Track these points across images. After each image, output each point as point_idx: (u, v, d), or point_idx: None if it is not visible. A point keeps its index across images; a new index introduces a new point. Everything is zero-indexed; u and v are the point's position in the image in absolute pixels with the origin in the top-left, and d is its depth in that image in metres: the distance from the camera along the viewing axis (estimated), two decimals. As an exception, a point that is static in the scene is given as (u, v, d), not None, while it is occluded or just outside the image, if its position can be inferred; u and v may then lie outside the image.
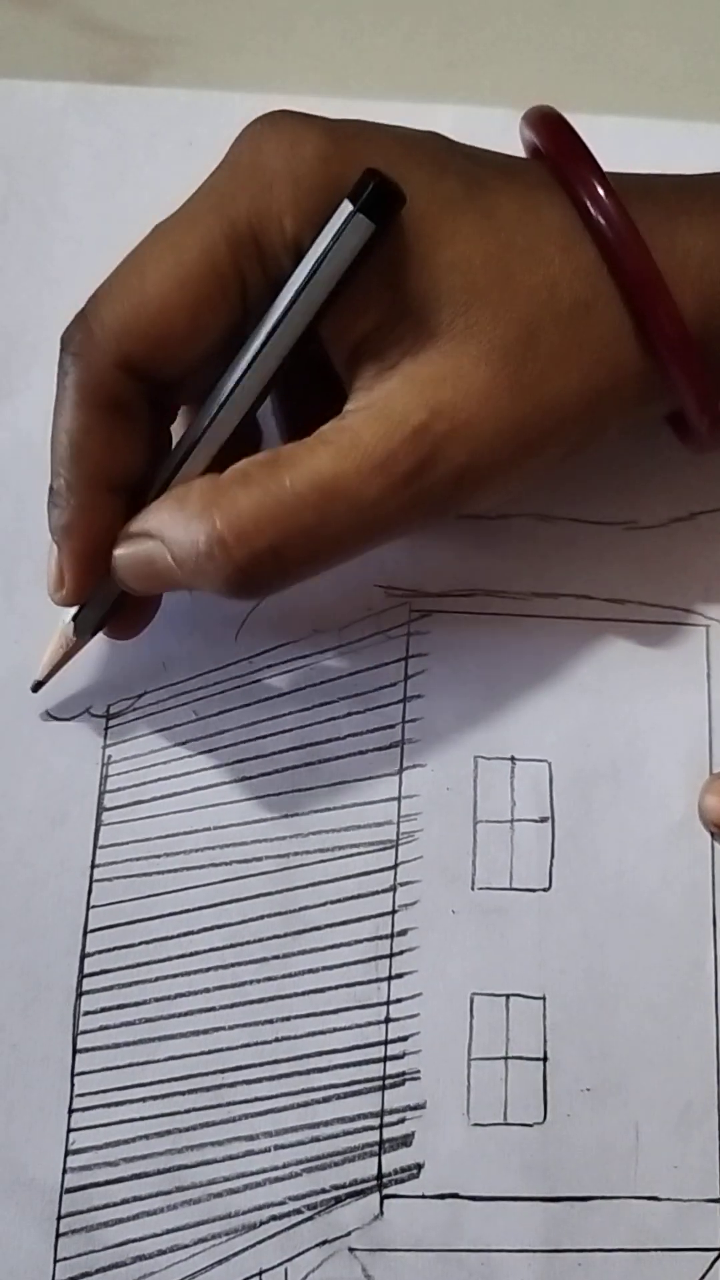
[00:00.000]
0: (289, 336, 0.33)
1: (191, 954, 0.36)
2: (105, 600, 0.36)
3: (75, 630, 0.36)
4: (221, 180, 0.33)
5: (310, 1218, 0.35)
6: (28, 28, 0.45)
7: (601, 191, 0.33)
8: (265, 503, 0.32)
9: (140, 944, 0.36)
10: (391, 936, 0.37)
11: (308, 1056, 0.36)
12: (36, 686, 0.38)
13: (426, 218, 0.33)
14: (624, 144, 0.43)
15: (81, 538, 0.35)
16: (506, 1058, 0.36)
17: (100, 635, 0.37)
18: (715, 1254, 0.35)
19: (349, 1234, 0.35)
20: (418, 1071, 0.36)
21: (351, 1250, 0.35)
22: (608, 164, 0.35)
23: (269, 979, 0.36)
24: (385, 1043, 0.36)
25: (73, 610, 0.36)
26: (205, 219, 0.33)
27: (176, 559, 0.33)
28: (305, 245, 0.32)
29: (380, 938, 0.37)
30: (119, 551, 0.35)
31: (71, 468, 0.34)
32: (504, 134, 0.39)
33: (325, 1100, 0.35)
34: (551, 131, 0.35)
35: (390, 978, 0.36)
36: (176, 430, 0.36)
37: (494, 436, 0.33)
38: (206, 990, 0.36)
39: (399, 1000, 0.36)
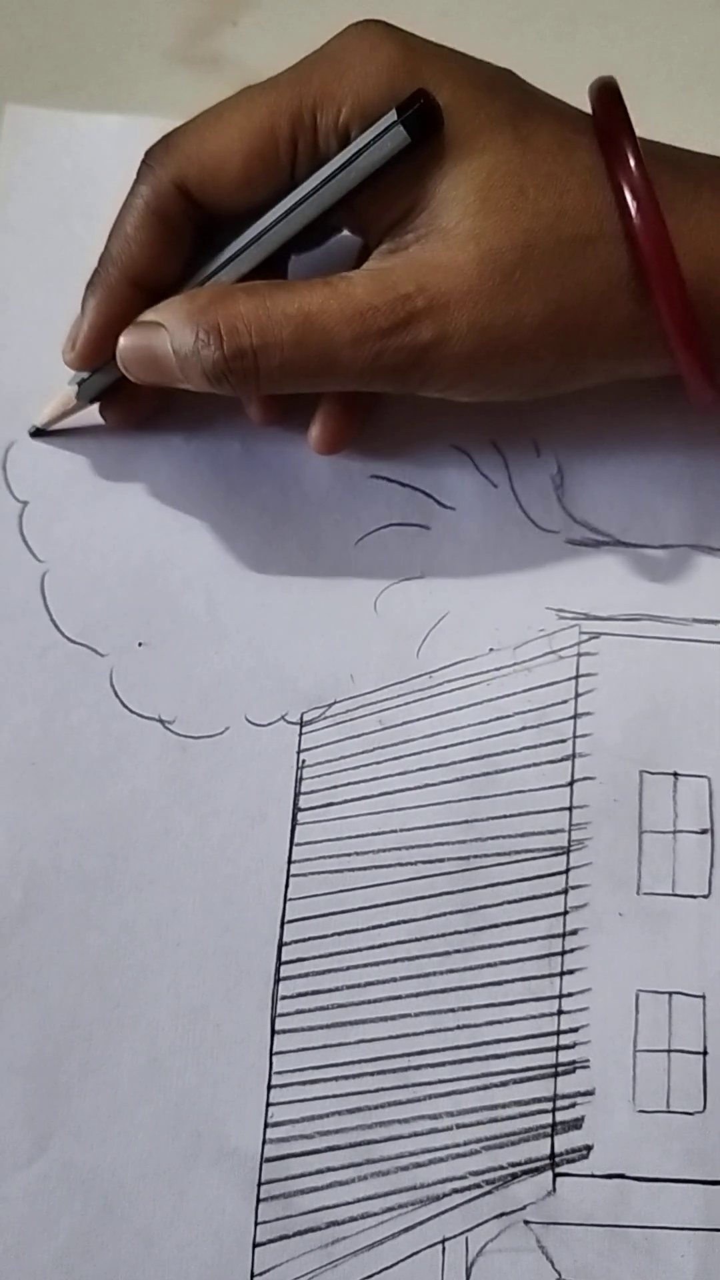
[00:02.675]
0: (314, 208, 0.38)
1: (380, 945, 0.39)
2: (107, 377, 0.41)
3: (77, 394, 0.42)
4: (306, 63, 0.38)
5: (489, 1192, 0.38)
6: (199, 87, 0.47)
7: (629, 148, 0.37)
8: (258, 312, 0.37)
9: (333, 935, 0.39)
10: (564, 935, 0.40)
11: (487, 1044, 0.39)
12: (35, 432, 0.43)
13: (466, 129, 0.37)
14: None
15: (101, 314, 0.40)
16: (669, 1050, 0.39)
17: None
18: None
19: (524, 1208, 0.38)
20: (587, 1060, 0.39)
21: (527, 1223, 0.38)
22: None
23: (451, 971, 0.39)
24: (558, 1033, 0.39)
25: (79, 376, 0.42)
26: (280, 89, 0.38)
27: (174, 347, 0.38)
28: (352, 135, 0.37)
29: (553, 936, 0.39)
30: (125, 336, 0.39)
31: (115, 258, 0.40)
32: None
33: (503, 1084, 0.38)
34: (604, 97, 0.38)
35: (562, 973, 0.39)
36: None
37: (464, 329, 0.37)
38: (394, 979, 0.39)
39: (570, 994, 0.39)
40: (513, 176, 0.37)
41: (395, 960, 0.39)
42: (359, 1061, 0.39)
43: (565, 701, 0.41)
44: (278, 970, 0.39)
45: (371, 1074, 0.38)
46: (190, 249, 0.40)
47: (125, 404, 0.43)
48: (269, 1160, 0.38)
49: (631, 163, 0.36)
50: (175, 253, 0.40)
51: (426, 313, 0.37)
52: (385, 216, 0.38)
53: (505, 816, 0.40)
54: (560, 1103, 0.38)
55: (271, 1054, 0.38)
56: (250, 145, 0.38)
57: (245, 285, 0.38)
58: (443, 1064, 0.39)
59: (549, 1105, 0.38)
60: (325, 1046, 0.39)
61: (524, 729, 0.41)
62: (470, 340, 0.37)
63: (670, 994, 0.39)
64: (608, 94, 0.38)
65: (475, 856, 0.40)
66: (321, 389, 0.40)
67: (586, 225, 0.37)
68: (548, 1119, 0.38)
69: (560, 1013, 0.39)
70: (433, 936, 0.39)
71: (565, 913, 0.40)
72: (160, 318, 0.38)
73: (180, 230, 0.39)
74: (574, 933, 0.40)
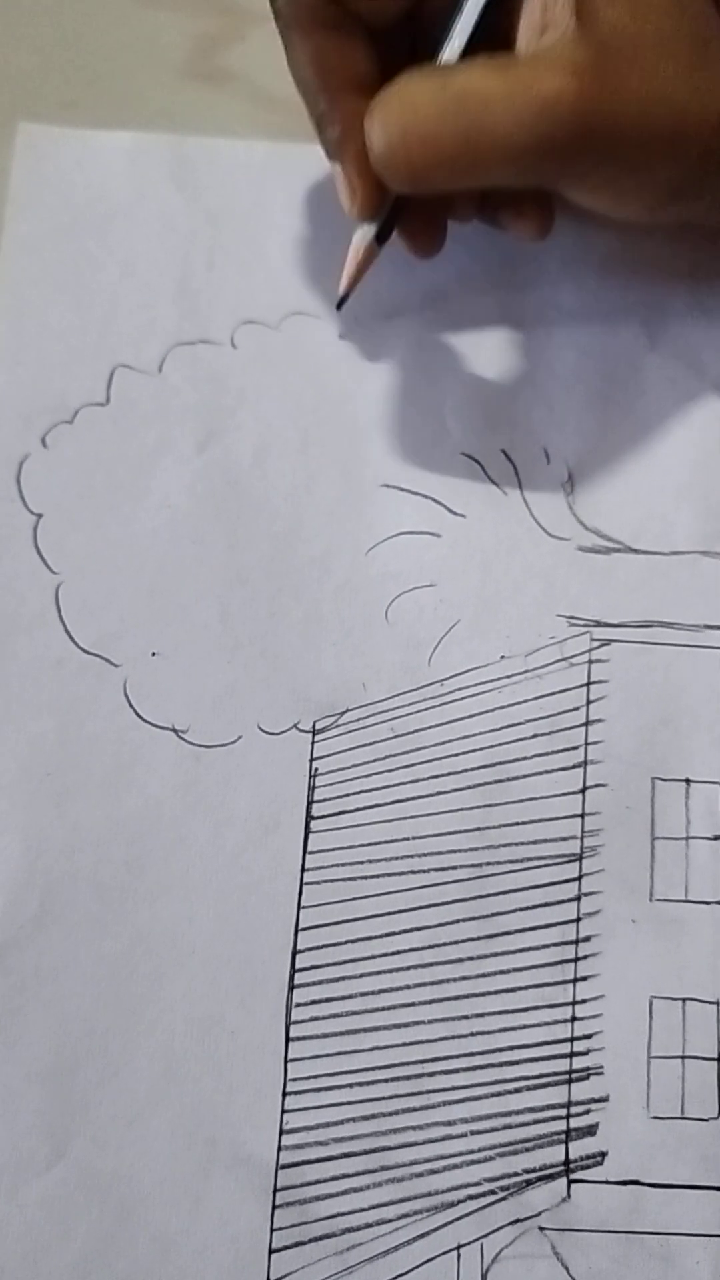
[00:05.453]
0: None
1: (394, 953, 0.39)
2: (387, 205, 0.40)
3: (373, 237, 0.41)
4: None
5: (504, 1198, 0.38)
6: (209, 102, 0.48)
7: None
8: (404, 96, 0.37)
9: (347, 942, 0.40)
10: (576, 942, 0.40)
11: (500, 1050, 0.39)
12: (340, 303, 0.42)
13: None
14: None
15: (356, 141, 0.39)
16: (684, 1057, 0.39)
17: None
18: None
19: (539, 1214, 0.38)
20: (601, 1067, 0.39)
21: (541, 1229, 0.38)
22: None
23: (464, 978, 0.39)
24: (571, 1040, 0.39)
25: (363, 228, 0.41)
26: None
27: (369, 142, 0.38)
28: None
29: (566, 943, 0.40)
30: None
31: (320, 88, 0.40)
32: None
33: (517, 1091, 0.39)
34: None
35: (575, 980, 0.39)
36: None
37: (634, 109, 0.37)
38: (407, 987, 0.39)
39: (584, 1001, 0.39)
40: None
41: (409, 967, 0.39)
42: (373, 1068, 0.39)
43: (577, 709, 0.42)
44: (292, 977, 0.39)
45: (386, 1081, 0.39)
46: (371, 45, 0.40)
47: (418, 228, 0.42)
48: (284, 1167, 0.38)
49: None
50: (362, 49, 0.40)
51: (578, 100, 0.36)
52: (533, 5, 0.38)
53: (517, 824, 0.41)
54: (574, 1109, 0.39)
55: (286, 1061, 0.39)
56: None
57: (409, 73, 0.38)
58: (457, 1070, 0.39)
59: (563, 1112, 0.38)
60: (339, 1053, 0.39)
61: (535, 736, 0.41)
62: (634, 121, 0.37)
63: (684, 1000, 0.39)
64: None
65: (488, 864, 0.40)
66: (482, 182, 0.39)
67: (704, 29, 0.38)
68: (562, 1125, 0.38)
69: (574, 1019, 0.39)
70: (446, 943, 0.40)
71: (578, 919, 0.40)
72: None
73: (352, 30, 0.40)
74: (587, 939, 0.40)
